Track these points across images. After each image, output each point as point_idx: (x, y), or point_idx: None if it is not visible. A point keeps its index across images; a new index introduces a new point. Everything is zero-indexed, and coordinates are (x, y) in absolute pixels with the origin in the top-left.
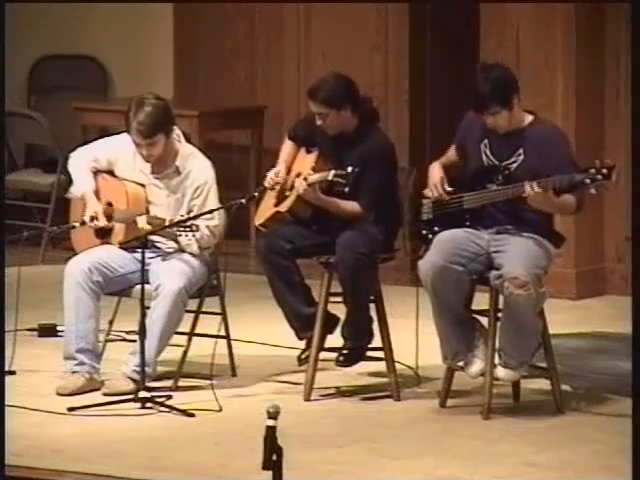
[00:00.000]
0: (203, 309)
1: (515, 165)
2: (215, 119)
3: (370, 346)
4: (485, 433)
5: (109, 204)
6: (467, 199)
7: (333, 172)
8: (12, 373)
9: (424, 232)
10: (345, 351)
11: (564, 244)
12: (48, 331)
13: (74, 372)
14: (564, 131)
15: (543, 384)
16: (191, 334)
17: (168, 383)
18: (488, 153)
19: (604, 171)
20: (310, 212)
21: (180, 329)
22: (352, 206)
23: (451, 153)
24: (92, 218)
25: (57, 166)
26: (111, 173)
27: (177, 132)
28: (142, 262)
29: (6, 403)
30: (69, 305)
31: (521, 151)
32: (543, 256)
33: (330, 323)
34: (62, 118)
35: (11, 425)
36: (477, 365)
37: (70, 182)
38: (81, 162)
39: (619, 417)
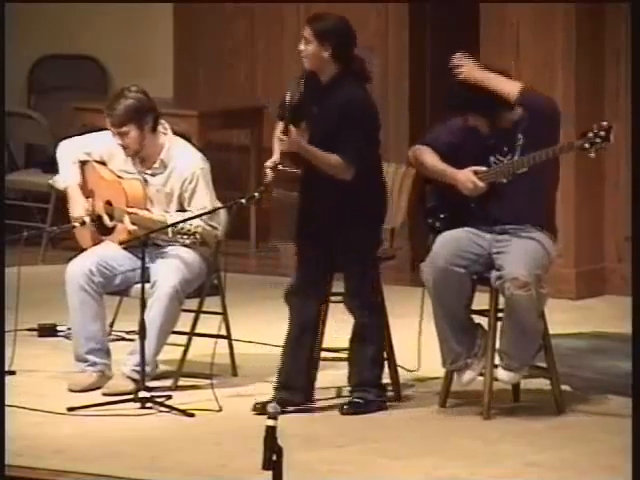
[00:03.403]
0: (203, 309)
1: (519, 151)
2: (215, 119)
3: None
4: (485, 433)
5: (108, 203)
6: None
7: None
8: (12, 373)
9: (430, 221)
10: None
11: (562, 241)
12: (48, 331)
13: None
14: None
15: (543, 384)
16: (191, 334)
17: (168, 383)
18: (498, 157)
19: (602, 133)
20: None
21: (180, 329)
22: (335, 159)
23: (430, 152)
24: (92, 219)
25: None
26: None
27: (165, 125)
28: (142, 261)
29: (6, 403)
30: (74, 307)
31: (520, 136)
32: (544, 256)
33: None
34: (62, 118)
35: (11, 425)
36: (469, 374)
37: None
38: (70, 153)
39: (619, 417)
